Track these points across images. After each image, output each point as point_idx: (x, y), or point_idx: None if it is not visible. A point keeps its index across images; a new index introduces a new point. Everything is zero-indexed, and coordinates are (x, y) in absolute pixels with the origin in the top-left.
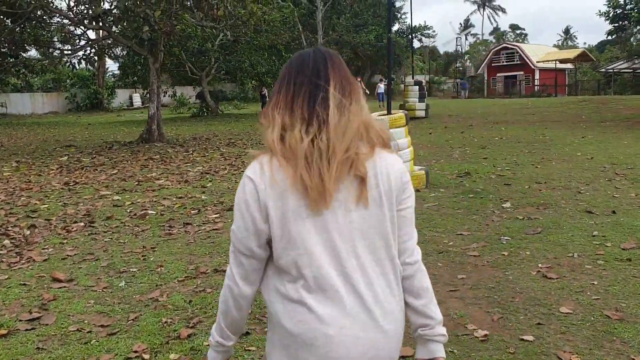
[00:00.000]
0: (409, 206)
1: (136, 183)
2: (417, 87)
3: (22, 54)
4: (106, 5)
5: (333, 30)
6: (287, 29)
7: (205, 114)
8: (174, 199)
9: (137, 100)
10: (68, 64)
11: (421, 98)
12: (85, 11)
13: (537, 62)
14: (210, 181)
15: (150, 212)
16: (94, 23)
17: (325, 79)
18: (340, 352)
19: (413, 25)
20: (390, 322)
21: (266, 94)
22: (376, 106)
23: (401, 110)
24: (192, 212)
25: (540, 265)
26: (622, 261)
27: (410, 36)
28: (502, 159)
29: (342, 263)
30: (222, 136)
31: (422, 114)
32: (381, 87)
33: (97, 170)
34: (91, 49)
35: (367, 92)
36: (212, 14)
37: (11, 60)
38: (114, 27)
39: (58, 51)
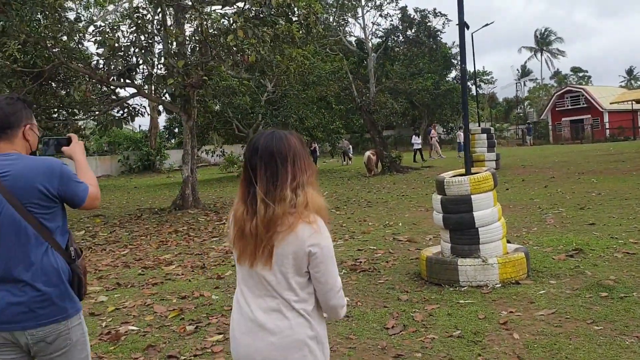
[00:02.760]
0: (317, 270)
1: (140, 271)
2: (484, 134)
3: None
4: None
5: (387, 78)
6: (336, 79)
7: None
8: (175, 299)
9: None
10: (99, 125)
11: (490, 147)
12: (112, 67)
13: (610, 102)
14: (233, 265)
15: (130, 327)
16: (122, 80)
17: (255, 177)
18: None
19: (471, 72)
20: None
21: (316, 149)
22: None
23: (486, 168)
24: (189, 327)
25: None
26: None
27: (474, 80)
28: (618, 226)
29: (247, 296)
30: None
31: (492, 165)
32: (414, 138)
33: (105, 250)
34: (123, 108)
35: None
36: (243, 60)
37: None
38: (143, 84)
39: (90, 112)
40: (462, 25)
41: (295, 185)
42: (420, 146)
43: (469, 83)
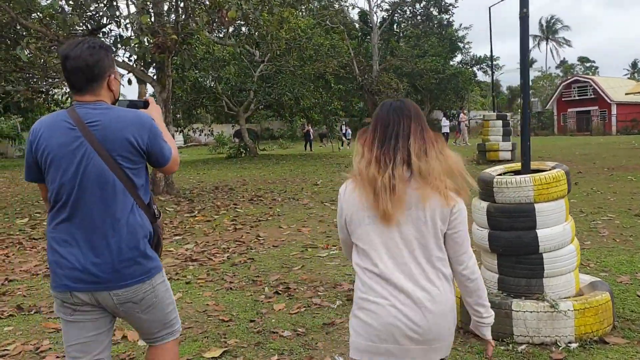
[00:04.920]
0: None
1: None
2: (500, 121)
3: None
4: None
5: (392, 55)
6: (336, 54)
7: (243, 155)
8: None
9: (179, 138)
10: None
11: (506, 136)
12: (69, 25)
13: (626, 93)
14: (186, 283)
15: None
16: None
17: None
18: None
19: (478, 56)
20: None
21: (310, 132)
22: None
23: (554, 164)
24: None
25: None
26: None
27: (490, 63)
28: None
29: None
30: (251, 185)
31: (507, 155)
32: (445, 122)
33: (36, 248)
34: None
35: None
36: (222, 16)
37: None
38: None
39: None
40: None
41: None
42: (448, 129)
43: (475, 68)
